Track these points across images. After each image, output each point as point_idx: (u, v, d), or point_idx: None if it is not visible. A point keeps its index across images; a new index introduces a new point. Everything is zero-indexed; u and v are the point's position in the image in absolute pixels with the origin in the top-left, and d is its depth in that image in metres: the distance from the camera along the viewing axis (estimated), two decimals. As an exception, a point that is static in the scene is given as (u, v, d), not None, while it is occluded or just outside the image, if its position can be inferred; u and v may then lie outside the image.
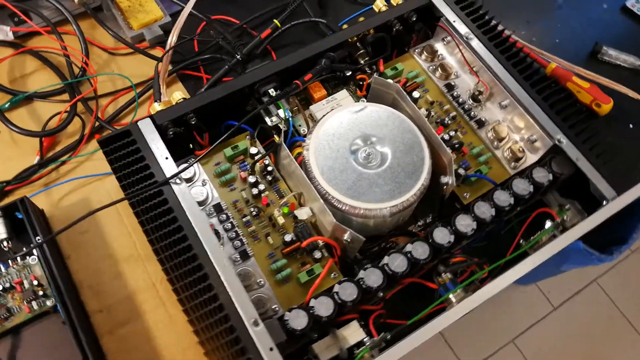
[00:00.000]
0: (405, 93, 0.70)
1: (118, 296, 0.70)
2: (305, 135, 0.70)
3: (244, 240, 0.64)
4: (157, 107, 0.67)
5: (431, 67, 0.79)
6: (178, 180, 0.62)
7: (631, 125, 0.91)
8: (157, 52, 0.90)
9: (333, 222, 0.60)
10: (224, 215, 0.65)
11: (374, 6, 0.81)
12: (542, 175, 0.67)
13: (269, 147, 0.69)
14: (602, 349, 1.51)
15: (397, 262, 0.60)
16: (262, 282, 0.62)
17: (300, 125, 0.73)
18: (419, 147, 0.67)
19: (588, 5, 1.05)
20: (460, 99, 0.76)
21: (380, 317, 0.63)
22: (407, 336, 0.55)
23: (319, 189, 0.63)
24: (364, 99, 0.75)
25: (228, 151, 0.68)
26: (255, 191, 0.66)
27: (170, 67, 0.86)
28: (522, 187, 0.66)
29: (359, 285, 0.58)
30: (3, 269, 0.67)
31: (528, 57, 0.76)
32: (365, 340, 0.58)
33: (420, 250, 0.61)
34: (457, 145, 0.72)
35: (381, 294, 0.61)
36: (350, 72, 0.75)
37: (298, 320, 0.55)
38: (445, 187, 0.67)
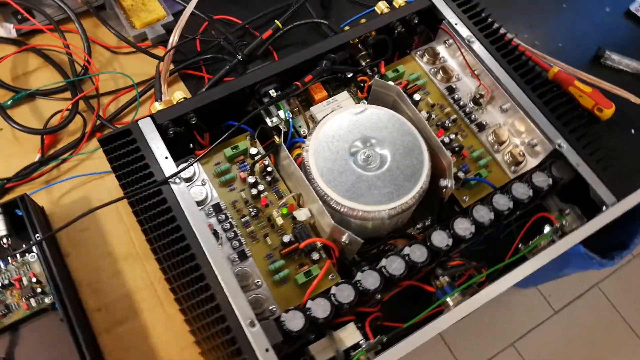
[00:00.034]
0: (405, 95, 0.70)
1: (116, 294, 0.70)
2: (305, 137, 0.70)
3: (242, 241, 0.64)
4: (157, 106, 0.68)
5: (432, 70, 0.79)
6: (177, 180, 0.62)
7: (633, 131, 0.91)
8: (159, 51, 0.90)
9: (331, 224, 0.60)
10: (223, 215, 0.65)
11: (376, 8, 0.80)
12: (541, 180, 0.67)
13: (269, 147, 0.69)
14: (603, 353, 1.51)
15: (394, 265, 0.60)
16: (260, 283, 0.62)
17: (300, 126, 0.73)
18: (419, 149, 0.67)
19: (591, 9, 1.05)
20: (461, 102, 0.76)
21: (377, 320, 0.63)
22: (403, 339, 0.55)
23: (317, 191, 0.63)
24: (364, 101, 0.75)
25: (228, 151, 0.68)
26: (254, 191, 0.66)
27: (172, 67, 0.86)
28: (521, 191, 0.66)
29: (356, 288, 0.58)
30: (2, 266, 0.67)
31: (530, 61, 0.76)
32: (361, 342, 0.58)
33: (418, 253, 0.61)
34: (457, 149, 0.72)
35: (378, 296, 0.61)
36: (351, 74, 0.75)
37: (294, 321, 0.55)
38: (444, 190, 0.67)
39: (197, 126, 0.68)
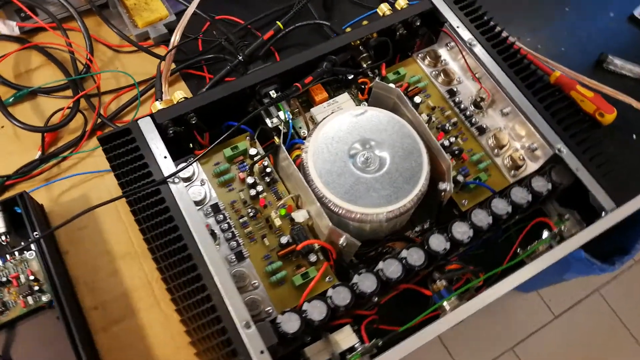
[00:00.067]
0: (406, 98, 0.70)
1: (113, 293, 0.70)
2: (304, 138, 0.70)
3: (240, 241, 0.64)
4: (158, 105, 0.68)
5: (434, 72, 0.78)
6: (176, 180, 0.62)
7: (634, 136, 0.91)
8: (161, 50, 0.90)
9: (329, 226, 0.60)
10: (221, 216, 0.65)
11: (378, 10, 0.80)
12: (541, 185, 0.67)
13: (269, 148, 0.69)
14: (603, 359, 1.50)
15: (391, 268, 0.60)
16: (257, 284, 0.62)
17: (300, 128, 0.73)
18: (418, 152, 0.66)
19: (595, 13, 1.04)
20: (462, 105, 0.76)
21: (373, 323, 0.63)
22: (399, 343, 0.55)
23: (316, 192, 0.63)
24: (365, 103, 0.75)
25: (227, 151, 0.68)
26: (253, 192, 0.66)
27: (173, 66, 0.86)
28: (520, 195, 0.66)
29: (352, 290, 0.58)
30: (0, 263, 0.67)
31: (532, 65, 0.76)
32: (356, 345, 0.58)
33: (415, 257, 0.61)
34: (457, 152, 0.71)
35: (375, 299, 0.61)
36: (352, 76, 0.75)
37: (290, 323, 0.55)
38: (443, 193, 0.67)
39: (197, 126, 0.68)
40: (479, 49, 0.75)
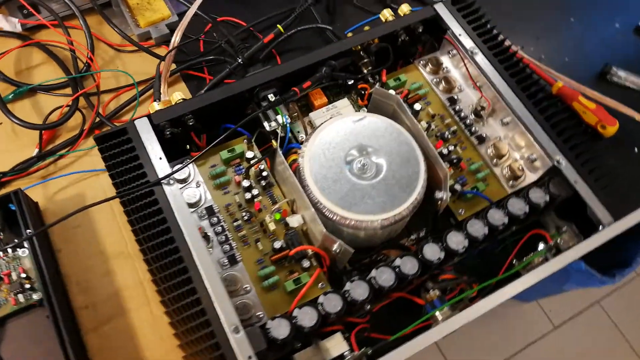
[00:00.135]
0: (405, 105, 0.69)
1: (105, 293, 0.70)
2: (302, 142, 0.70)
3: (233, 245, 0.63)
4: (156, 106, 0.67)
5: (435, 80, 0.78)
6: (170, 181, 0.62)
7: (636, 149, 0.90)
8: (163, 50, 0.89)
9: (323, 232, 0.59)
10: (215, 219, 0.64)
11: (380, 15, 0.80)
12: (538, 196, 0.66)
13: (266, 152, 0.69)
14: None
15: (384, 276, 0.59)
16: (249, 288, 0.61)
17: (299, 132, 0.72)
18: (415, 160, 0.66)
19: (600, 24, 1.04)
20: (462, 114, 0.75)
21: (364, 331, 0.62)
22: (388, 352, 0.55)
23: (311, 198, 0.63)
24: (364, 109, 0.75)
25: (224, 154, 0.68)
26: (248, 195, 0.66)
27: (174, 67, 0.86)
28: (517, 206, 0.65)
29: (344, 298, 0.57)
30: (-8, 260, 0.67)
31: (534, 75, 0.75)
32: (345, 353, 0.58)
33: (409, 266, 0.60)
34: (455, 160, 0.71)
35: (367, 307, 0.61)
36: (352, 81, 0.75)
37: (280, 329, 0.55)
38: (439, 202, 0.66)
39: (194, 128, 0.68)
40: (480, 58, 0.74)
